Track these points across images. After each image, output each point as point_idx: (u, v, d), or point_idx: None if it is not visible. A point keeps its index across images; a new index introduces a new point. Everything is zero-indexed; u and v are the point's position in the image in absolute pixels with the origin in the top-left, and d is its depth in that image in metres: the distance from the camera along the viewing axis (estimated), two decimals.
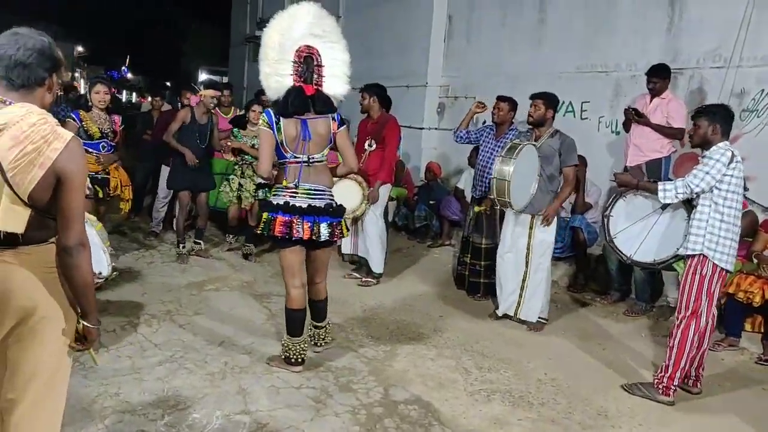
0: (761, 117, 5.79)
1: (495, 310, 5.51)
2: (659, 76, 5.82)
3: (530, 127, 5.32)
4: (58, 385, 2.36)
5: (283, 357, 4.10)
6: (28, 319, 2.23)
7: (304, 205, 3.86)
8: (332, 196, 4.05)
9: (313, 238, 3.86)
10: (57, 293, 2.30)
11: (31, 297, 2.22)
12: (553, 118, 5.25)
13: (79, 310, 2.32)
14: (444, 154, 9.58)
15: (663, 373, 4.02)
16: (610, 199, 4.78)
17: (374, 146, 6.07)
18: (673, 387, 3.98)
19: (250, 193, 6.74)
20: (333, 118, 3.98)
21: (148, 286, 5.64)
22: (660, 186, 4.07)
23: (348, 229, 4.38)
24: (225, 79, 23.61)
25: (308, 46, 3.84)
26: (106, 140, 5.44)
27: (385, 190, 6.18)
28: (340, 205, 4.08)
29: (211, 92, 6.42)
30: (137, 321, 4.75)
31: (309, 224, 3.84)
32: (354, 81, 4.16)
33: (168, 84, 23.53)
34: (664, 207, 4.28)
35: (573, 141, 5.15)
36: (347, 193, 5.72)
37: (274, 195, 3.97)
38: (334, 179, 4.30)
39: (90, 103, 5.43)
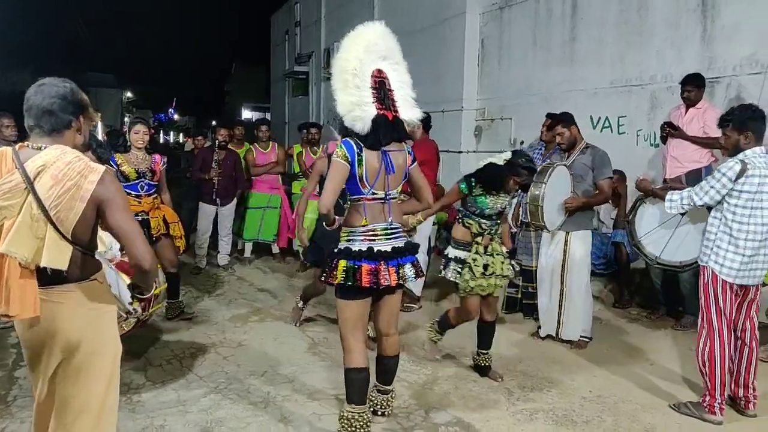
0: None
1: (538, 329, 5.45)
2: (693, 84, 5.76)
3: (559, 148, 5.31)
4: (106, 419, 2.44)
5: None
6: (75, 355, 2.33)
7: (389, 249, 3.44)
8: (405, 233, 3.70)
9: (400, 282, 3.47)
10: (101, 327, 2.41)
11: (75, 333, 2.32)
12: (580, 133, 5.22)
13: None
14: None
15: (705, 392, 3.92)
16: (633, 205, 4.78)
17: None
18: (716, 405, 3.84)
19: (503, 275, 4.46)
20: (408, 152, 3.61)
21: (193, 320, 5.76)
22: (668, 195, 4.01)
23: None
24: (267, 115, 24.14)
25: (379, 70, 3.44)
26: (144, 180, 5.38)
27: (427, 219, 6.19)
28: (415, 242, 3.79)
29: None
30: (182, 354, 4.86)
31: (394, 268, 3.43)
32: None
33: (213, 123, 24.12)
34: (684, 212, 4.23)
35: (605, 153, 5.09)
36: None
37: (348, 240, 3.47)
38: None
39: (129, 144, 5.40)
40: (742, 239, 3.72)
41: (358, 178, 3.38)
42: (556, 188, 4.88)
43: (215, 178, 7.57)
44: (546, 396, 4.25)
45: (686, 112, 5.86)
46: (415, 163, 3.64)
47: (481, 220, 4.40)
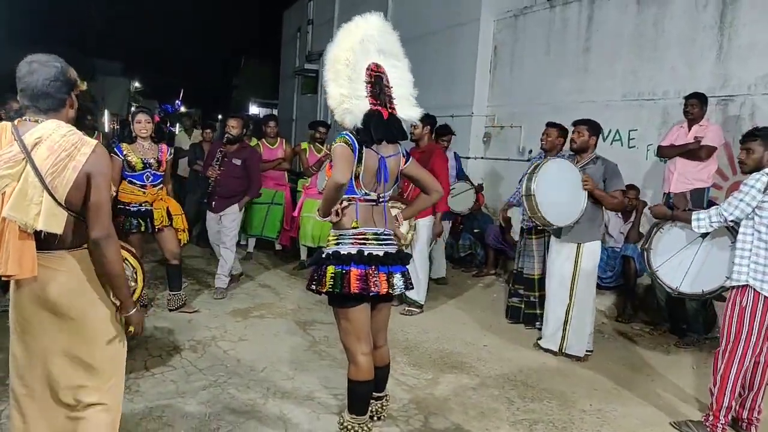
0: None
1: (538, 339, 5.43)
2: (699, 99, 5.82)
3: (572, 153, 5.27)
4: (119, 366, 2.70)
5: None
6: (66, 320, 2.50)
7: (381, 253, 3.26)
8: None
9: (390, 291, 3.26)
10: (90, 292, 2.55)
11: (73, 296, 2.49)
12: (596, 145, 5.19)
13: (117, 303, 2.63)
14: (491, 182, 9.55)
15: (709, 411, 3.87)
16: (649, 232, 4.68)
17: None
18: (719, 425, 3.80)
19: None
20: (403, 154, 3.44)
21: (195, 313, 5.73)
22: (694, 215, 3.94)
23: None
24: (275, 111, 24.11)
25: (377, 65, 3.28)
26: (150, 170, 5.34)
27: (428, 222, 6.17)
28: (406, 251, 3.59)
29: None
30: (183, 346, 4.84)
31: (385, 275, 3.23)
32: None
33: (219, 117, 24.04)
34: (704, 235, 4.15)
35: (616, 166, 5.06)
36: None
37: (337, 244, 3.27)
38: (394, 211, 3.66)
39: (134, 134, 5.37)
40: None
41: (354, 175, 3.21)
42: (553, 180, 4.85)
43: (212, 178, 6.47)
44: (546, 407, 4.22)
45: (689, 129, 5.88)
46: (410, 160, 3.47)
47: None
